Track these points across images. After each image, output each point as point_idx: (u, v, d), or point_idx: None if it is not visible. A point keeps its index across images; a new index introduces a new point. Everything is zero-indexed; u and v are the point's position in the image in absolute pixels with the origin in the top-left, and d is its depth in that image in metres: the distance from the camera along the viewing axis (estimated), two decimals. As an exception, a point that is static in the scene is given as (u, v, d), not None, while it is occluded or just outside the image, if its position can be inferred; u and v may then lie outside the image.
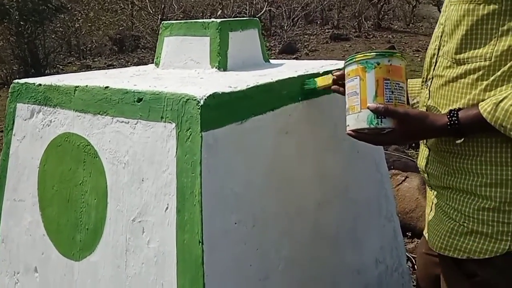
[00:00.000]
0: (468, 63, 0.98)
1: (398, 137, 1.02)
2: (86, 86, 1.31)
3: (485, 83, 0.96)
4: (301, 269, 1.34)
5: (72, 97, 1.34)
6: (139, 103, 1.19)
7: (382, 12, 14.62)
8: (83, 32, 12.16)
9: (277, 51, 10.47)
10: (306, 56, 9.87)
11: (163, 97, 1.14)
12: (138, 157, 1.19)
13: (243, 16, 11.12)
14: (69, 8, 10.92)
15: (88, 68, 10.09)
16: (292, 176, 1.31)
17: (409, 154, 3.65)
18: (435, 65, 1.08)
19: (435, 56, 1.09)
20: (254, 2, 12.28)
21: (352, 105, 1.05)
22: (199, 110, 1.07)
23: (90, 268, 1.30)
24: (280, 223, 1.27)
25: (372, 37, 12.58)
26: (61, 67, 10.43)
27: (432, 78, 1.09)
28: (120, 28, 12.42)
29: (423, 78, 1.15)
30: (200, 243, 1.06)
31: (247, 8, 11.85)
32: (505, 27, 0.93)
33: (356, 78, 1.05)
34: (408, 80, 1.28)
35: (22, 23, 8.87)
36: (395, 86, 1.02)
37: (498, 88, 0.95)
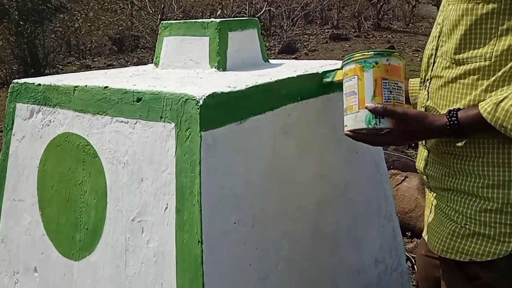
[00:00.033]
0: (468, 64, 0.97)
1: (397, 137, 1.01)
2: (86, 86, 1.31)
3: (485, 83, 0.95)
4: (300, 269, 1.34)
5: (71, 97, 1.34)
6: (138, 103, 1.19)
7: (382, 12, 14.63)
8: (82, 32, 12.16)
9: (276, 51, 10.47)
10: (305, 56, 9.87)
11: (162, 97, 1.14)
12: (138, 157, 1.19)
13: (243, 16, 11.11)
14: (69, 8, 10.92)
15: (88, 68, 10.09)
16: (292, 176, 1.32)
17: (409, 154, 3.65)
18: (433, 66, 1.07)
19: (433, 57, 1.08)
20: (253, 2, 12.27)
21: (350, 105, 1.04)
22: (198, 110, 1.07)
23: (89, 268, 1.31)
24: (279, 223, 1.27)
25: (371, 37, 12.58)
26: (60, 67, 10.43)
27: (431, 78, 1.08)
28: (120, 28, 12.42)
29: (421, 78, 1.14)
30: (200, 243, 1.06)
31: (247, 8, 11.85)
32: (505, 26, 0.92)
33: (354, 77, 1.04)
34: (409, 79, 1.28)
35: (21, 23, 8.87)
36: (394, 86, 1.01)
37: (499, 89, 0.93)
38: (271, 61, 1.70)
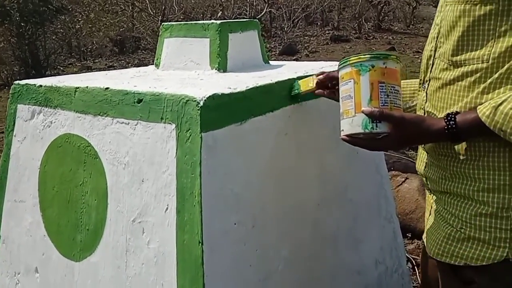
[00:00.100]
0: (465, 65, 0.96)
1: (394, 142, 1.00)
2: (87, 87, 1.31)
3: (482, 85, 0.94)
4: (300, 269, 1.34)
5: (72, 98, 1.35)
6: (139, 104, 1.19)
7: (382, 14, 14.63)
8: (83, 34, 12.18)
9: (277, 52, 10.48)
10: (306, 57, 9.87)
11: (163, 98, 1.14)
12: (138, 158, 1.20)
13: (243, 18, 11.13)
14: (70, 9, 10.94)
15: (89, 69, 10.10)
16: (292, 177, 1.32)
17: (409, 155, 3.65)
18: (431, 67, 1.06)
19: (432, 58, 1.07)
20: (254, 4, 12.29)
21: (346, 109, 1.02)
22: (199, 111, 1.07)
23: (90, 268, 1.31)
24: (279, 224, 1.28)
25: (372, 38, 12.59)
26: (61, 68, 10.44)
27: (429, 80, 1.07)
28: (121, 30, 12.43)
29: (420, 80, 1.12)
30: (200, 244, 1.06)
31: (247, 9, 11.87)
32: (503, 28, 0.91)
33: (350, 81, 1.02)
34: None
35: (23, 24, 8.89)
36: (391, 89, 0.99)
37: (496, 91, 0.92)
38: (271, 62, 1.70)
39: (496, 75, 0.92)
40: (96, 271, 1.29)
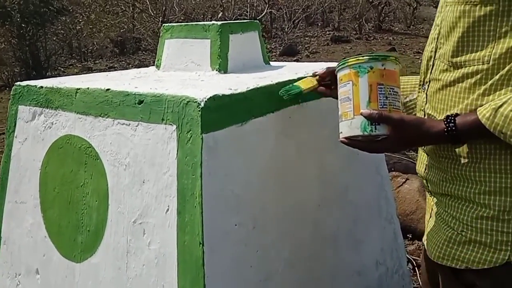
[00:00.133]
0: (465, 67, 0.95)
1: (393, 144, 0.98)
2: (88, 88, 1.32)
3: (483, 87, 0.93)
4: (301, 270, 1.34)
5: (73, 99, 1.35)
6: (140, 105, 1.19)
7: (383, 14, 14.64)
8: (84, 34, 12.19)
9: (278, 53, 10.48)
10: (307, 58, 9.88)
11: (164, 99, 1.15)
12: (139, 159, 1.20)
13: (244, 19, 11.13)
14: (71, 10, 10.95)
15: (90, 70, 10.11)
16: (292, 178, 1.32)
17: (410, 156, 3.65)
18: (432, 68, 1.05)
19: (432, 59, 1.05)
20: (255, 5, 12.31)
21: (345, 111, 1.01)
22: (200, 112, 1.07)
23: (91, 270, 1.31)
24: (280, 225, 1.28)
25: (372, 39, 12.59)
26: (62, 69, 10.45)
27: (430, 81, 1.06)
28: (121, 30, 12.44)
29: (420, 81, 1.11)
30: (201, 245, 1.06)
31: (248, 10, 11.88)
32: (503, 29, 0.89)
33: (349, 83, 1.01)
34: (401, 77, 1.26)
35: (23, 25, 8.90)
36: (389, 91, 0.98)
37: (497, 93, 0.91)
38: (272, 63, 1.70)
39: (497, 77, 0.91)
40: (97, 272, 1.29)
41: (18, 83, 1.53)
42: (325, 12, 15.64)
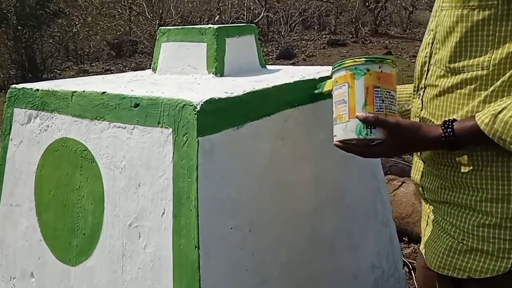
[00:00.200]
0: (464, 72, 0.93)
1: (389, 149, 0.96)
2: (83, 91, 1.31)
3: (484, 93, 0.90)
4: (297, 274, 1.34)
5: (69, 102, 1.35)
6: (136, 109, 1.19)
7: (379, 18, 14.70)
8: (80, 37, 12.18)
9: (274, 56, 10.50)
10: (303, 61, 9.90)
11: (160, 103, 1.15)
12: (135, 162, 1.20)
13: (241, 22, 11.16)
14: (67, 13, 10.94)
15: (86, 73, 10.09)
16: (288, 181, 1.32)
17: (406, 159, 3.66)
18: (427, 74, 1.03)
19: (427, 64, 1.03)
20: (251, 8, 12.34)
21: (340, 114, 1.00)
22: (196, 116, 1.07)
23: (86, 273, 1.30)
24: (276, 228, 1.28)
25: (369, 42, 12.64)
26: (58, 71, 10.43)
27: (425, 87, 1.03)
28: (118, 33, 12.44)
29: (415, 87, 1.09)
30: (197, 248, 1.06)
31: (245, 13, 11.90)
32: (503, 34, 0.88)
33: (345, 85, 0.99)
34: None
35: (19, 27, 8.88)
36: (386, 94, 0.96)
37: (499, 99, 0.89)
38: (268, 66, 1.71)
39: (498, 83, 0.89)
40: (92, 275, 1.29)
41: (13, 85, 1.52)
42: (321, 16, 15.69)
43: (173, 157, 1.12)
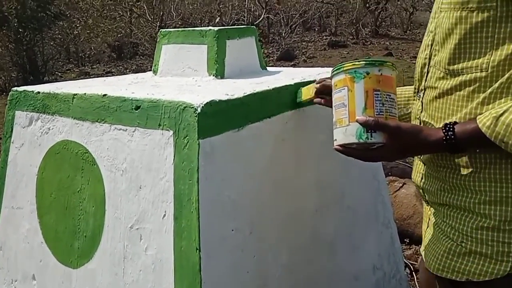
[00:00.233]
0: (463, 74, 0.92)
1: (390, 152, 0.95)
2: (85, 94, 1.32)
3: (482, 95, 0.90)
4: (298, 275, 1.34)
5: (70, 104, 1.35)
6: (137, 111, 1.20)
7: (380, 19, 14.71)
8: (81, 39, 12.20)
9: (275, 58, 10.51)
10: (304, 63, 9.91)
11: (160, 105, 1.15)
12: (136, 165, 1.20)
13: (241, 23, 11.17)
14: (68, 15, 10.96)
15: (87, 75, 10.11)
16: (289, 183, 1.32)
17: (407, 161, 3.66)
18: (426, 76, 1.02)
19: (427, 66, 1.03)
20: (252, 10, 12.35)
21: (340, 118, 0.99)
22: (196, 118, 1.08)
23: (88, 275, 1.31)
24: (277, 230, 1.28)
25: (369, 44, 12.64)
26: (59, 74, 10.45)
27: (425, 89, 1.03)
28: (119, 35, 12.46)
29: (415, 88, 1.08)
30: (198, 250, 1.06)
31: (245, 15, 11.92)
32: (502, 35, 0.87)
33: (344, 88, 0.98)
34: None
35: (21, 30, 8.90)
36: (386, 97, 0.95)
37: (497, 101, 0.88)
38: (269, 68, 1.71)
39: (497, 85, 0.88)
40: (94, 278, 1.29)
41: (15, 88, 1.53)
42: (322, 17, 15.71)
43: (174, 159, 1.12)
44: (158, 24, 10.29)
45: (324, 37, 13.99)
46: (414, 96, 1.09)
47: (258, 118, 1.22)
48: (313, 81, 1.29)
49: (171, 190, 1.12)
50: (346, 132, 0.97)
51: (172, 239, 1.11)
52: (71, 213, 1.35)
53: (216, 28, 1.49)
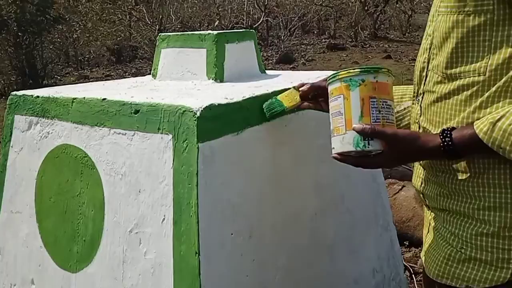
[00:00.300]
0: (461, 78, 0.91)
1: (387, 160, 0.95)
2: (84, 98, 1.32)
3: (479, 99, 0.89)
4: (297, 279, 1.34)
5: (69, 109, 1.35)
6: (136, 115, 1.20)
7: (378, 22, 14.75)
8: (81, 43, 12.22)
9: (274, 61, 10.53)
10: (303, 66, 9.92)
11: (160, 109, 1.15)
12: (135, 169, 1.20)
13: (241, 27, 11.19)
14: (67, 19, 10.97)
15: (86, 78, 10.11)
16: (289, 187, 1.32)
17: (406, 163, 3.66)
18: (425, 80, 1.02)
19: (425, 70, 1.02)
20: (251, 13, 12.38)
21: (337, 126, 0.98)
22: (196, 122, 1.08)
23: (87, 280, 1.30)
24: (276, 234, 1.28)
25: (368, 46, 12.67)
26: (59, 77, 10.46)
27: (423, 93, 1.02)
28: (118, 39, 12.48)
29: (414, 92, 1.08)
30: (197, 254, 1.06)
31: (244, 18, 11.94)
32: (499, 38, 0.86)
33: (340, 97, 0.97)
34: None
35: (20, 34, 8.92)
36: (382, 104, 0.95)
37: (495, 105, 0.87)
38: (268, 72, 1.71)
39: (494, 88, 0.87)
40: (93, 282, 1.29)
41: (14, 92, 1.53)
42: (321, 20, 15.74)
43: (173, 163, 1.12)
44: (157, 28, 10.31)
45: (323, 40, 14.02)
46: (413, 101, 1.09)
47: (257, 121, 1.22)
48: (287, 89, 1.24)
49: (170, 194, 1.12)
50: (343, 140, 0.97)
51: (172, 243, 1.11)
52: (70, 217, 1.34)
53: (215, 32, 1.49)
